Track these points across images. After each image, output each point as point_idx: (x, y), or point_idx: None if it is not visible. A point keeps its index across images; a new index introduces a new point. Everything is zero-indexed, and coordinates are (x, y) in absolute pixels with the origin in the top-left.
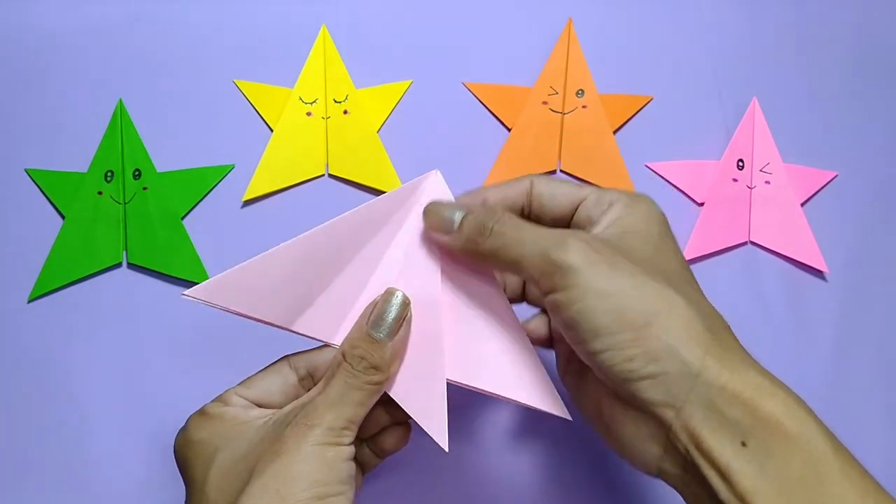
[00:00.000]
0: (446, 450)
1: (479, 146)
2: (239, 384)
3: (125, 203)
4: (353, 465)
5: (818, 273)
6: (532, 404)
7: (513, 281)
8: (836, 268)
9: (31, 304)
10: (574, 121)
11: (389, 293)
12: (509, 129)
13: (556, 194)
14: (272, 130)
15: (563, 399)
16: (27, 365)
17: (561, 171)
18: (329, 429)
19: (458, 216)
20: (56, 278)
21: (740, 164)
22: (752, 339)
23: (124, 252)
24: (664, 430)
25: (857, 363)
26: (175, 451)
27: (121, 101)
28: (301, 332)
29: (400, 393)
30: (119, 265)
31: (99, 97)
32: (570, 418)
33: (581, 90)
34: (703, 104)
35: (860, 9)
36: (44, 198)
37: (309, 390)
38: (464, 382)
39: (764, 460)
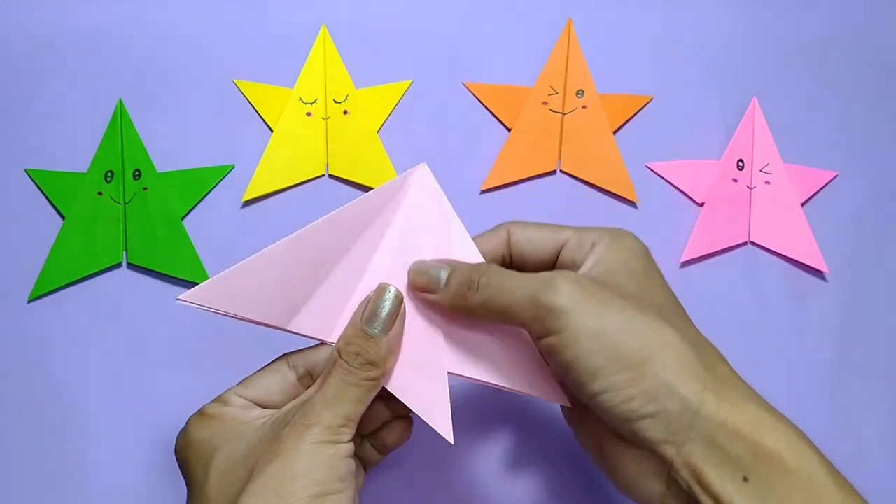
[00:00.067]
0: (451, 442)
1: (479, 146)
2: (238, 384)
3: (125, 203)
4: (352, 462)
5: (818, 273)
6: (532, 393)
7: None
8: (836, 268)
9: (31, 304)
10: (574, 121)
11: (382, 288)
12: (509, 129)
13: (535, 240)
14: (272, 130)
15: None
16: (27, 365)
17: (561, 170)
18: (327, 427)
19: (443, 274)
20: (56, 278)
21: (740, 164)
22: (752, 339)
23: (124, 252)
24: (666, 467)
25: (857, 363)
26: (176, 452)
27: (121, 101)
28: (297, 331)
29: (401, 389)
30: (119, 265)
31: (99, 97)
32: (569, 405)
33: (581, 90)
34: (703, 104)
35: (860, 9)
36: (44, 198)
37: (308, 388)
38: (464, 374)
39: (766, 495)
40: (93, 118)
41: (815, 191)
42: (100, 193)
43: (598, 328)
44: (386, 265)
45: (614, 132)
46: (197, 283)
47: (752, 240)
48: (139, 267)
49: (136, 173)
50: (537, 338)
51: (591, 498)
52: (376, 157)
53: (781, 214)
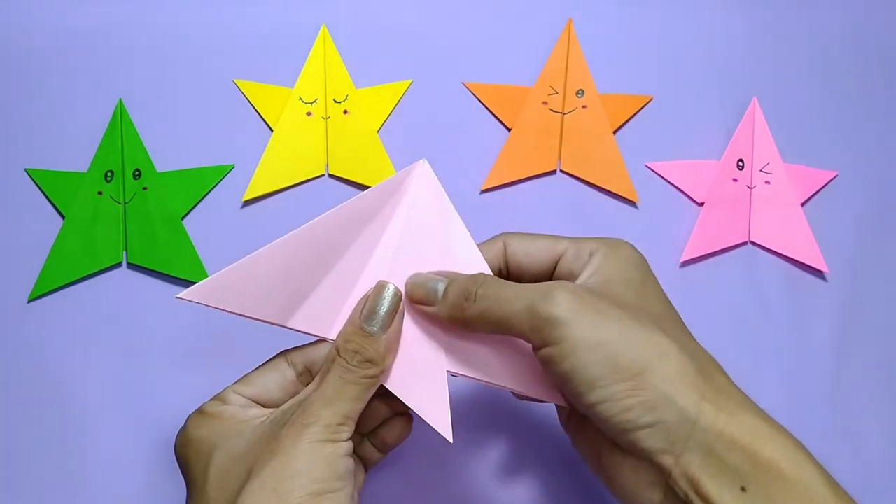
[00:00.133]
0: (450, 441)
1: (479, 146)
2: (237, 382)
3: (125, 203)
4: (351, 460)
5: (818, 273)
6: (531, 394)
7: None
8: (836, 268)
9: (31, 304)
10: (574, 121)
11: (381, 286)
12: (509, 129)
13: (531, 251)
14: (272, 130)
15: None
16: (27, 365)
17: (561, 170)
18: (325, 426)
19: (441, 286)
20: (56, 278)
21: (740, 164)
22: (752, 339)
23: (124, 252)
24: (664, 477)
25: (857, 363)
26: (175, 451)
27: (121, 101)
28: (297, 328)
29: (400, 387)
30: (119, 265)
31: (99, 97)
32: (564, 404)
33: (581, 90)
34: (703, 104)
35: (860, 9)
36: (44, 198)
37: (307, 385)
38: (462, 373)
39: None
40: (93, 118)
41: (815, 191)
42: (100, 193)
43: (596, 339)
44: (386, 263)
45: (614, 132)
46: (196, 283)
47: (752, 240)
48: (139, 267)
49: (136, 173)
50: (535, 348)
51: (590, 502)
52: (376, 157)
53: (781, 214)
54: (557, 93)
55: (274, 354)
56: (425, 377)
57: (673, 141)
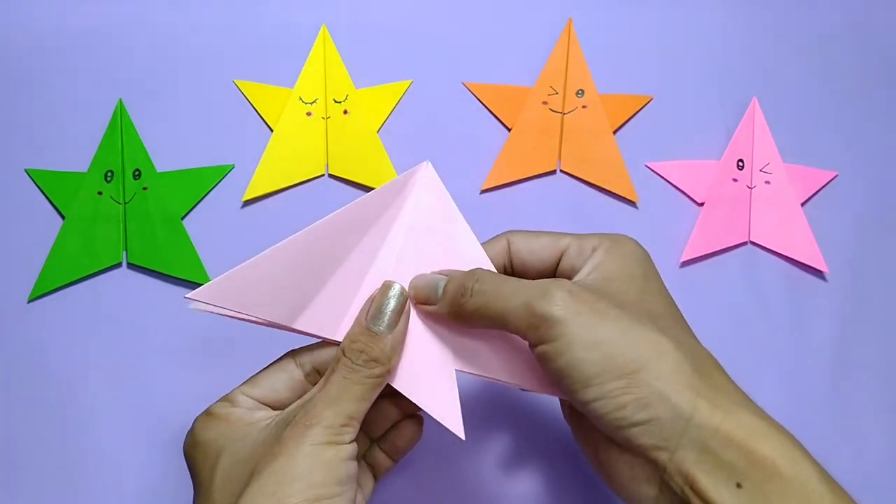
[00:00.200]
0: (462, 438)
1: (479, 146)
2: (244, 383)
3: (125, 203)
4: (354, 464)
5: (818, 273)
6: (531, 389)
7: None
8: (836, 268)
9: (31, 304)
10: (574, 121)
11: (387, 286)
12: (509, 129)
13: (534, 248)
14: (272, 130)
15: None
16: (27, 365)
17: (561, 170)
18: (328, 427)
19: (441, 283)
20: (56, 278)
21: (740, 164)
22: (752, 339)
23: (124, 252)
24: (659, 473)
25: (857, 363)
26: (184, 452)
27: (121, 101)
28: (302, 329)
29: (408, 386)
30: (119, 265)
31: (99, 97)
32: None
33: (581, 90)
34: (703, 104)
35: (860, 9)
36: (44, 198)
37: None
38: (467, 370)
39: (760, 502)
40: (93, 118)
41: (815, 191)
42: (100, 193)
43: (593, 338)
44: (391, 264)
45: (614, 132)
46: (197, 283)
47: (752, 240)
48: (139, 267)
49: (136, 173)
50: (532, 345)
51: (595, 498)
52: (376, 157)
53: (781, 214)
54: (557, 93)
55: (277, 355)
56: (434, 376)
57: (673, 141)
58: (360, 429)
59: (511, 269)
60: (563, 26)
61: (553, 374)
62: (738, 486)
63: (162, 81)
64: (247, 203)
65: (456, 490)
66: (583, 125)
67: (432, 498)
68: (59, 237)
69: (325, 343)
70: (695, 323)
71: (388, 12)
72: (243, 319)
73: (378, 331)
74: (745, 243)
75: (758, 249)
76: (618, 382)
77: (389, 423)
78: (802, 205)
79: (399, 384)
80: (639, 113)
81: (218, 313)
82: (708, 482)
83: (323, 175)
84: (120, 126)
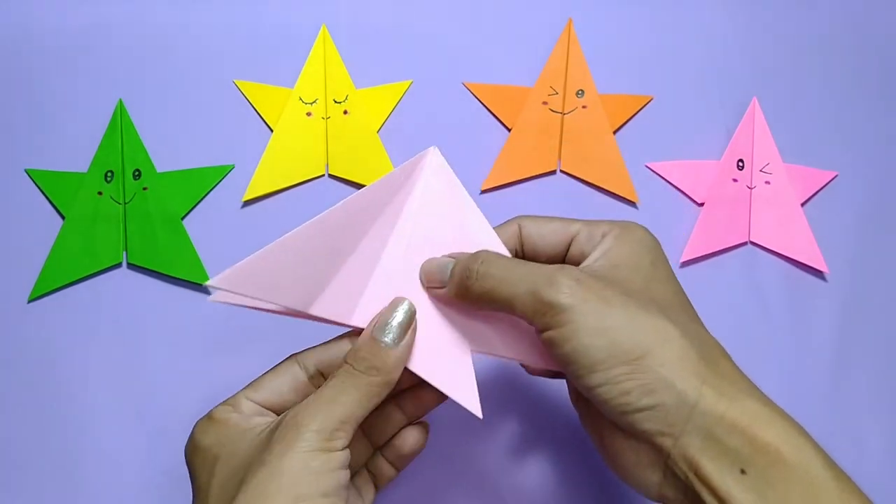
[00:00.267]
0: (479, 416)
1: (479, 146)
2: (247, 386)
3: (125, 203)
4: (345, 473)
5: (818, 273)
6: (541, 366)
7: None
8: (836, 268)
9: (31, 304)
10: (574, 121)
11: (396, 301)
12: (509, 129)
13: (545, 234)
14: (272, 130)
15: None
16: (27, 365)
17: (561, 171)
18: (318, 431)
19: (449, 266)
20: (56, 278)
21: (740, 164)
22: (752, 339)
23: (124, 252)
24: (663, 458)
25: (857, 363)
26: (185, 457)
27: (121, 101)
28: (318, 314)
29: (424, 368)
30: (119, 265)
31: (99, 97)
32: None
33: (581, 90)
34: (703, 104)
35: (860, 9)
36: (44, 198)
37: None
38: (482, 351)
39: (763, 488)
40: (93, 118)
41: (815, 191)
42: (100, 193)
43: (600, 325)
44: (401, 249)
45: (614, 132)
46: (197, 283)
47: (752, 240)
48: (139, 267)
49: (136, 173)
50: (538, 331)
51: (602, 483)
52: (376, 157)
53: (781, 214)
54: (557, 93)
55: (276, 355)
56: (451, 358)
57: (673, 141)
58: (363, 436)
59: (522, 254)
60: (563, 26)
61: (559, 360)
62: (743, 472)
63: (162, 81)
64: (247, 203)
65: (462, 482)
66: (583, 125)
67: (436, 492)
68: (59, 237)
69: (329, 343)
70: None
71: (388, 12)
72: (259, 308)
73: (384, 343)
74: (745, 243)
75: (758, 249)
76: (623, 368)
77: (394, 429)
78: (802, 205)
79: (416, 367)
80: (639, 113)
81: (235, 303)
82: (712, 468)
83: (323, 175)
84: (120, 126)
